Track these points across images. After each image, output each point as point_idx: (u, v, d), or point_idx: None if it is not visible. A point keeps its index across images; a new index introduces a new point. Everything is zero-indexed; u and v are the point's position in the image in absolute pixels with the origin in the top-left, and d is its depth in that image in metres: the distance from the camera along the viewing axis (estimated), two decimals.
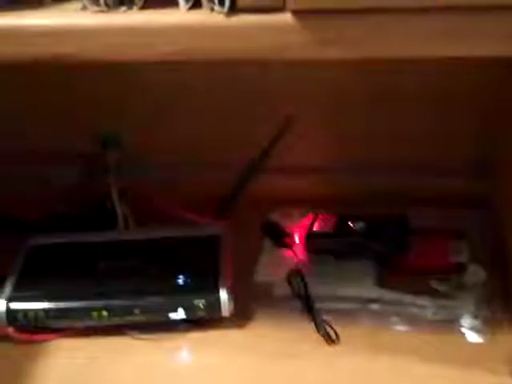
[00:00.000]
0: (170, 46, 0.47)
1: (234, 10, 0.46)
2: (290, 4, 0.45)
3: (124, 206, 0.78)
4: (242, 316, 0.68)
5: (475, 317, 0.66)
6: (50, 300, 0.67)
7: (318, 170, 0.83)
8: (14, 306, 0.66)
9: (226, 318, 0.67)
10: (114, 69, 0.69)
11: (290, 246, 0.76)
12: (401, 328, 0.67)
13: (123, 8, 0.47)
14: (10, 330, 0.67)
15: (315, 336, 0.66)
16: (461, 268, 0.70)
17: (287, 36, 0.46)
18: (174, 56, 0.47)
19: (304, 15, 0.45)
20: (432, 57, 0.46)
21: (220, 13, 0.46)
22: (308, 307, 0.68)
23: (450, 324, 0.66)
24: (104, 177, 0.78)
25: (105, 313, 0.66)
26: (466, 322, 0.66)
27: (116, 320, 0.67)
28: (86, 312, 0.66)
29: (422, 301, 0.68)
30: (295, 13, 0.45)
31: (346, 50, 0.46)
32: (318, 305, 0.68)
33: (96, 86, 0.79)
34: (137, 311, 0.66)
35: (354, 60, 0.48)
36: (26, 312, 0.66)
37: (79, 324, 0.67)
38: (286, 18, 0.46)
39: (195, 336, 0.67)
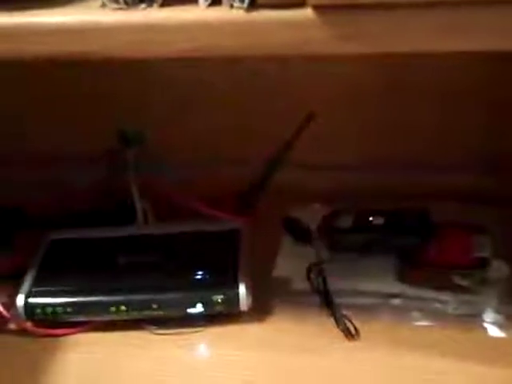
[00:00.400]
0: (190, 43, 0.48)
1: (253, 5, 0.47)
2: None
3: (144, 201, 0.79)
4: (260, 311, 0.69)
5: (498, 312, 0.67)
6: (68, 295, 0.68)
7: (338, 165, 0.84)
8: (33, 300, 0.68)
9: (244, 313, 0.68)
10: (133, 66, 0.70)
11: (310, 241, 0.77)
12: (422, 323, 0.68)
13: (143, 5, 0.49)
14: (29, 324, 0.68)
15: (335, 331, 0.67)
16: (484, 263, 0.71)
17: (307, 31, 0.47)
18: (193, 53, 0.48)
19: (324, 10, 0.46)
20: (448, 51, 0.47)
21: (240, 9, 0.47)
22: (327, 302, 0.69)
23: (473, 319, 0.67)
24: (124, 173, 0.79)
25: (123, 307, 0.67)
26: (489, 317, 0.67)
27: (134, 315, 0.68)
28: (104, 307, 0.68)
29: (444, 296, 0.69)
30: (316, 8, 0.46)
31: (365, 45, 0.47)
32: (337, 300, 0.69)
33: (115, 83, 0.81)
34: (155, 306, 0.67)
35: (372, 54, 0.49)
36: (44, 306, 0.68)
37: (98, 318, 0.69)
38: (307, 13, 0.46)
39: (213, 331, 0.69)
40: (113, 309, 0.68)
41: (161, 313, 0.68)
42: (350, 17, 0.46)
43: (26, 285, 0.70)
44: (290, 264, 0.75)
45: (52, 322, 0.69)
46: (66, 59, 0.50)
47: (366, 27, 0.47)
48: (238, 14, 0.47)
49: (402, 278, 0.71)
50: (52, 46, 0.49)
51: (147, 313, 0.68)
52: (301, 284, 0.72)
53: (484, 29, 0.46)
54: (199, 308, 0.68)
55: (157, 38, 0.48)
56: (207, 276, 0.69)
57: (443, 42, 0.47)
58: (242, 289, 0.67)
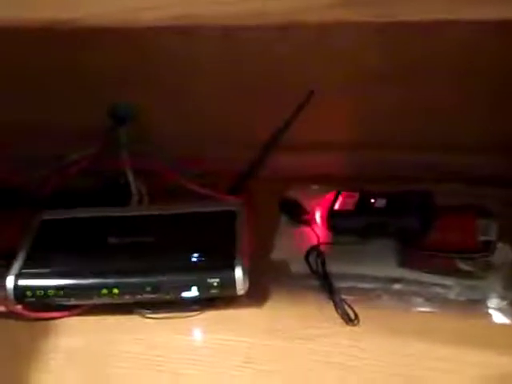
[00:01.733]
0: (183, 9, 0.48)
1: None
2: None
3: (138, 181, 0.80)
4: (257, 294, 0.70)
5: (503, 298, 0.68)
6: (59, 277, 0.69)
7: (339, 146, 0.85)
8: (23, 282, 0.68)
9: (240, 297, 0.69)
10: (126, 39, 0.70)
11: (308, 223, 0.78)
12: (424, 309, 0.68)
13: None
14: (19, 307, 0.69)
15: (333, 315, 0.68)
16: (488, 247, 0.71)
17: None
18: (185, 20, 0.48)
19: None
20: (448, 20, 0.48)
21: None
22: (326, 286, 0.70)
23: (476, 305, 0.68)
24: (117, 152, 0.80)
25: (116, 290, 0.68)
26: (493, 303, 0.68)
27: (127, 298, 0.69)
28: (96, 289, 0.68)
29: (447, 281, 0.69)
30: None
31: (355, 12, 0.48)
32: (337, 284, 0.70)
33: (107, 60, 0.81)
34: (149, 289, 0.68)
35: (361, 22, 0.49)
36: (34, 289, 0.68)
37: (89, 302, 0.69)
38: None
39: (209, 315, 0.69)
40: (105, 292, 0.68)
41: (154, 296, 0.69)
42: None
43: (16, 266, 0.70)
44: (287, 246, 0.76)
45: (43, 305, 0.69)
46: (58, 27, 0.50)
47: None
48: None
49: (404, 262, 0.72)
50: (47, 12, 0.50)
51: (140, 296, 0.69)
52: (299, 267, 0.73)
53: None
54: (194, 292, 0.68)
55: (147, 4, 0.48)
56: (202, 259, 0.70)
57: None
58: (239, 272, 0.68)
